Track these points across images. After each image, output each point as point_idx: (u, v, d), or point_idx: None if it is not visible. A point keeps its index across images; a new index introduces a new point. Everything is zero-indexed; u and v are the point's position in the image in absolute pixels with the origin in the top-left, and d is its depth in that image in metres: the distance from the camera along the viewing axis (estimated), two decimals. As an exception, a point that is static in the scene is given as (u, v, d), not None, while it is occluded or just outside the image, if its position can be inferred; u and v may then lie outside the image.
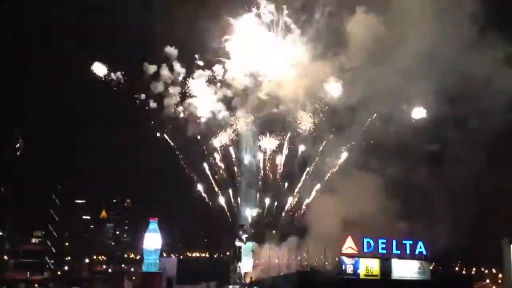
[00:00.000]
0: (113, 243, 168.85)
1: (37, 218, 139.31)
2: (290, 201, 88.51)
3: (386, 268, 65.38)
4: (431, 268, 69.78)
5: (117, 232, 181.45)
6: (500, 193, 78.21)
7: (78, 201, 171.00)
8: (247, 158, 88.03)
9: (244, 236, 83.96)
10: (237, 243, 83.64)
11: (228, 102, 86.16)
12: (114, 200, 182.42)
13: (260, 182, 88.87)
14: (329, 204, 78.39)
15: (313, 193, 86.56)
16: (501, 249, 70.35)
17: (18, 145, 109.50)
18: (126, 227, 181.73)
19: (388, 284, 64.45)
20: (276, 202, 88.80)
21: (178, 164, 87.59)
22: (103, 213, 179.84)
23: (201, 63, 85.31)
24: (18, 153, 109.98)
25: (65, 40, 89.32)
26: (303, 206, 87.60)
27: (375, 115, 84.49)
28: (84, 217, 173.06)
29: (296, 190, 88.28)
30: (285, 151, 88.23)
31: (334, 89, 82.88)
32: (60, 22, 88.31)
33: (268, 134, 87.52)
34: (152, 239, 77.25)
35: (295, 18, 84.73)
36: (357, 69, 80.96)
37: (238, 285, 76.99)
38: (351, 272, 64.29)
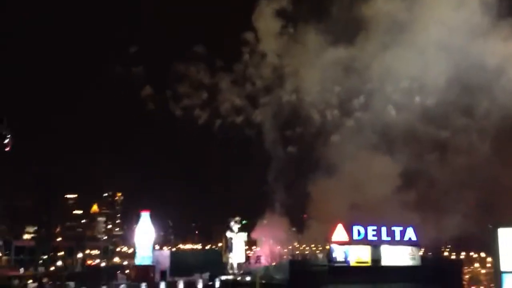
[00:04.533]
0: (105, 237, 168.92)
1: (29, 214, 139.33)
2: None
3: (376, 255, 65.94)
4: (421, 253, 70.61)
5: (109, 226, 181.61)
6: (496, 180, 78.44)
7: (69, 195, 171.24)
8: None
9: (236, 227, 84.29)
10: (228, 234, 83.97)
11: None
12: (105, 194, 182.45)
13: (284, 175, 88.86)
14: (334, 189, 78.48)
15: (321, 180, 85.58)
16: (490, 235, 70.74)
17: (7, 140, 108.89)
18: (117, 221, 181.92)
19: (378, 271, 64.94)
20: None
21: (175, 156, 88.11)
22: (94, 207, 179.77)
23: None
24: (7, 149, 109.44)
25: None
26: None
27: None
28: (75, 212, 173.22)
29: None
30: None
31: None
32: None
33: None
34: (145, 232, 77.21)
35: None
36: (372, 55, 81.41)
37: (231, 276, 77.37)
38: (342, 260, 64.79)
